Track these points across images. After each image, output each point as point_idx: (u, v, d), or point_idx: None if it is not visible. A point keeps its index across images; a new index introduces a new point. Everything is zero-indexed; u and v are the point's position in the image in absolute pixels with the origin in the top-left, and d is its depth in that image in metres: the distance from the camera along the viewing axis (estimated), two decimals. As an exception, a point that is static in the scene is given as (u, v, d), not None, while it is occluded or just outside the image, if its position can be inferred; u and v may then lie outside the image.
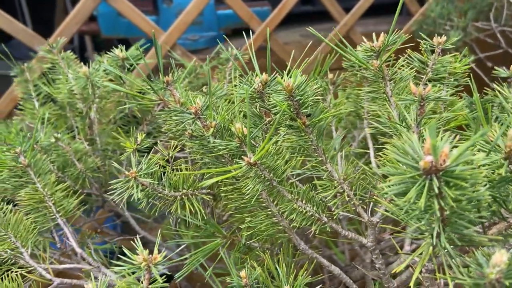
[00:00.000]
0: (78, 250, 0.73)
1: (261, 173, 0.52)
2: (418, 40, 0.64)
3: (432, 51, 0.63)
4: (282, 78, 0.52)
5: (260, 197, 0.61)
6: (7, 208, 0.69)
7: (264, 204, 0.62)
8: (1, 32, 1.54)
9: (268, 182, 0.54)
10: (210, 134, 0.58)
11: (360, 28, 2.18)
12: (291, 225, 0.64)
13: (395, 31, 0.57)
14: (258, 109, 0.60)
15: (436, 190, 0.33)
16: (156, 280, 0.45)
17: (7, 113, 1.62)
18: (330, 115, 0.52)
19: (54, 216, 0.74)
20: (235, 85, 0.83)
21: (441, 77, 0.63)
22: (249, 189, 0.54)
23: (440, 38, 0.63)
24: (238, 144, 0.53)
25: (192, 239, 0.69)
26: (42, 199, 0.74)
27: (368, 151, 0.75)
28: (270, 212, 0.62)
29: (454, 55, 0.65)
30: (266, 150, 0.48)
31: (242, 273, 0.55)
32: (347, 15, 2.06)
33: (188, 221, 0.70)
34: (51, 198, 0.74)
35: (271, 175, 0.53)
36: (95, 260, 0.73)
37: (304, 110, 0.51)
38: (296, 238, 0.64)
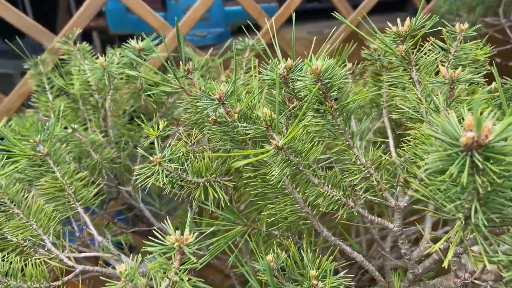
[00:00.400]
0: (99, 238, 0.73)
1: (287, 157, 0.52)
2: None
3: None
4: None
5: (283, 184, 0.61)
6: (27, 196, 0.69)
7: (286, 191, 0.62)
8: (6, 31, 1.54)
9: (295, 167, 0.54)
10: (236, 119, 0.58)
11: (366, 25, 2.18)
12: (314, 212, 0.64)
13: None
14: (281, 96, 0.60)
15: (480, 165, 0.33)
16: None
17: (15, 109, 1.62)
18: (358, 98, 0.52)
19: (73, 205, 0.74)
20: (254, 75, 0.83)
21: (463, 64, 0.63)
22: (275, 173, 0.54)
23: (462, 25, 0.63)
24: (265, 128, 0.53)
25: (211, 227, 0.69)
26: (62, 188, 0.74)
27: (386, 140, 0.75)
28: (292, 199, 0.62)
29: (476, 43, 0.65)
30: (294, 134, 0.48)
31: (269, 257, 0.55)
32: (354, 12, 2.06)
33: (203, 211, 0.71)
34: (71, 187, 0.74)
35: (298, 159, 0.53)
36: (115, 248, 0.73)
37: (332, 94, 0.51)
38: (319, 225, 0.64)
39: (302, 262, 0.58)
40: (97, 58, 0.92)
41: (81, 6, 1.53)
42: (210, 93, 0.59)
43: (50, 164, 0.75)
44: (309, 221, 0.64)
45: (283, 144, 0.50)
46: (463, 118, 0.36)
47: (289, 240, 0.63)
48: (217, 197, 0.63)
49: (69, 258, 0.67)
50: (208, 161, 0.63)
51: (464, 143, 0.34)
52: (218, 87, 0.59)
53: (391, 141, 0.72)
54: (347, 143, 0.55)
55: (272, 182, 0.62)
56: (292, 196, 0.62)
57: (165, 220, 1.02)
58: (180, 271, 0.46)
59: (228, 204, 0.66)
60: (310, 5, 2.50)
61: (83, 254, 0.72)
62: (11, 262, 0.60)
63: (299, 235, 0.70)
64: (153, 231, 0.50)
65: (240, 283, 0.90)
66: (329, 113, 0.53)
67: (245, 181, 0.64)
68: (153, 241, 0.47)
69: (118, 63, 0.90)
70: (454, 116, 0.36)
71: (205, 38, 2.03)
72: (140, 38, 0.92)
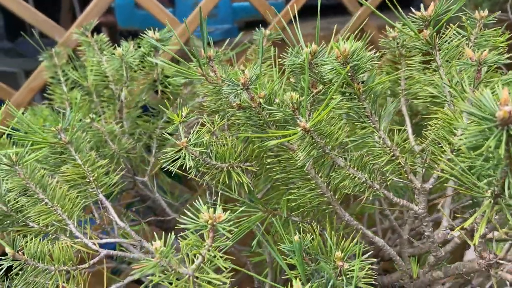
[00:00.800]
0: (121, 224, 0.73)
1: (314, 139, 0.53)
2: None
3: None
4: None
5: (305, 168, 0.62)
6: (52, 182, 0.70)
7: (308, 176, 0.63)
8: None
9: (321, 149, 0.55)
10: (262, 102, 0.59)
11: (373, 21, 2.19)
12: (336, 197, 0.65)
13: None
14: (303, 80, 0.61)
15: (518, 137, 0.34)
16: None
17: (26, 103, 1.63)
18: (385, 79, 0.52)
19: (94, 192, 0.75)
20: (271, 64, 0.84)
21: (483, 50, 0.64)
22: (300, 157, 0.54)
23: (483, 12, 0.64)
24: (292, 111, 0.54)
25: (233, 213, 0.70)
26: (83, 175, 0.75)
27: (402, 127, 0.76)
28: (314, 184, 0.63)
29: (495, 29, 0.66)
30: (323, 116, 0.49)
31: (296, 238, 0.55)
32: (361, 8, 2.07)
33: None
34: (92, 174, 0.75)
35: (324, 141, 0.54)
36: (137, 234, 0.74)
37: (359, 76, 0.51)
38: (341, 210, 0.65)
39: (325, 246, 0.59)
40: (114, 48, 0.92)
41: (84, 6, 1.54)
42: (233, 79, 0.60)
43: (71, 152, 0.76)
44: (331, 206, 0.64)
45: (311, 126, 0.51)
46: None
47: (311, 225, 0.64)
48: (240, 181, 0.63)
49: (93, 243, 0.68)
50: (231, 147, 0.64)
51: (501, 117, 0.35)
52: (241, 74, 0.60)
53: (409, 129, 0.73)
54: (373, 125, 0.56)
55: (296, 166, 0.63)
56: (314, 181, 0.63)
57: (175, 214, 1.03)
58: (212, 248, 0.47)
59: (252, 189, 0.67)
60: (317, 0, 2.50)
61: (105, 240, 0.73)
62: (38, 246, 0.61)
63: (318, 221, 0.71)
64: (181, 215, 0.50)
65: (255, 273, 0.91)
66: (356, 96, 0.53)
67: (267, 166, 0.64)
68: (185, 220, 0.47)
69: (132, 55, 0.91)
70: (489, 92, 0.37)
71: (213, 34, 2.04)
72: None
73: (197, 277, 0.47)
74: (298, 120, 0.53)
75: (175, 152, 0.60)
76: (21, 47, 3.00)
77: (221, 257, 0.47)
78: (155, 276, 0.45)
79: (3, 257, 0.60)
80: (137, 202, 1.23)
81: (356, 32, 0.58)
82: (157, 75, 0.96)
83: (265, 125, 0.62)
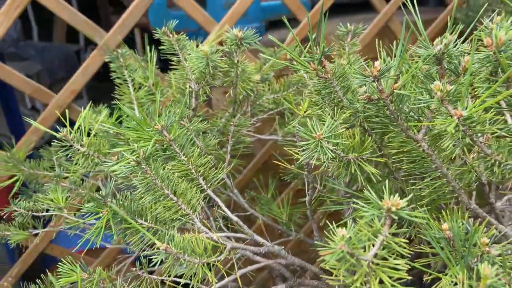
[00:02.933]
0: (234, 218, 0.74)
1: (466, 128, 0.55)
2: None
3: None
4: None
5: (430, 158, 0.63)
6: (173, 177, 0.70)
7: (434, 165, 0.65)
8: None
9: (470, 138, 0.56)
10: (391, 95, 0.60)
11: (398, 17, 2.22)
12: (460, 186, 0.66)
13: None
14: (432, 73, 0.62)
15: None
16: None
17: (66, 105, 1.62)
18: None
19: (203, 187, 0.76)
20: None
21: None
22: (447, 145, 0.56)
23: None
24: (439, 100, 0.55)
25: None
26: (189, 171, 0.76)
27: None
28: (440, 174, 0.64)
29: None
30: (486, 105, 0.50)
31: (444, 226, 0.57)
32: (387, 5, 2.09)
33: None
34: (199, 170, 0.76)
35: (476, 129, 0.56)
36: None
37: (513, 64, 0.53)
38: (466, 198, 0.66)
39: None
40: (197, 47, 0.93)
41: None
42: (361, 72, 0.61)
43: (175, 149, 0.77)
44: (456, 194, 0.66)
45: (469, 114, 0.52)
46: None
47: (454, 209, 0.65)
48: (369, 172, 0.65)
49: (228, 238, 0.69)
50: (359, 140, 0.65)
51: None
52: (371, 66, 0.61)
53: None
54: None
55: (421, 156, 0.64)
56: (439, 170, 0.64)
57: (252, 210, 1.04)
58: (390, 235, 0.48)
59: (380, 180, 0.68)
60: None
61: (219, 234, 0.73)
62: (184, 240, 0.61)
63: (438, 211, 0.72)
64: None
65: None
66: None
67: (393, 157, 0.66)
68: (362, 206, 0.48)
69: (217, 51, 0.92)
70: None
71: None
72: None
73: (375, 264, 0.48)
74: (447, 109, 0.54)
75: (309, 145, 0.61)
76: (24, 51, 2.99)
77: (398, 243, 0.48)
78: (336, 262, 0.46)
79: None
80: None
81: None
82: (236, 74, 0.96)
83: (393, 117, 0.63)
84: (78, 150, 0.86)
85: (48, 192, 1.01)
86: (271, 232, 1.16)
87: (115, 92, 1.13)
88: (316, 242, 0.91)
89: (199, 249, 0.63)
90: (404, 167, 0.66)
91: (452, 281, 0.55)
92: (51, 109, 1.53)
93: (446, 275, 0.56)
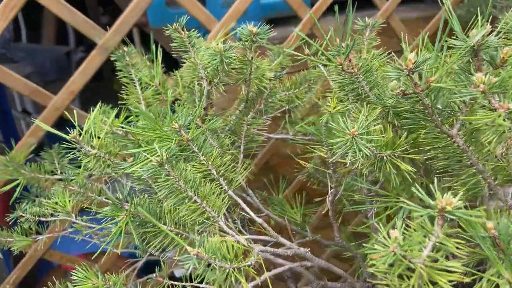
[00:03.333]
0: (258, 220, 0.71)
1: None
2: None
3: None
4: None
5: (466, 154, 0.61)
6: (196, 179, 0.67)
7: (469, 162, 0.63)
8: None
9: (513, 131, 0.54)
10: (428, 88, 0.58)
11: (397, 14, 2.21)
12: (496, 183, 0.64)
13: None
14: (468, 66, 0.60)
15: None
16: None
17: (64, 107, 1.57)
18: None
19: (224, 188, 0.73)
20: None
21: None
22: (490, 139, 0.54)
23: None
24: (482, 93, 0.53)
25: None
26: (209, 172, 0.73)
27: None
28: (475, 170, 0.62)
29: None
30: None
31: (489, 225, 0.54)
32: (387, 2, 2.08)
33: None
34: (219, 170, 0.73)
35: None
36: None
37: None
38: (503, 195, 0.64)
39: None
40: (210, 42, 0.90)
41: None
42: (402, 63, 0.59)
43: (193, 149, 0.74)
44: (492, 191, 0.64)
45: (519, 106, 0.50)
46: None
47: None
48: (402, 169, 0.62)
49: (246, 240, 0.65)
50: (391, 138, 0.63)
51: None
52: (406, 59, 0.59)
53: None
54: None
55: (456, 153, 0.62)
56: (475, 167, 0.62)
57: (267, 211, 1.01)
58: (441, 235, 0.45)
59: (414, 177, 0.66)
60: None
61: (245, 236, 0.70)
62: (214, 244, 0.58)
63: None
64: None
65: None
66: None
67: (427, 154, 0.64)
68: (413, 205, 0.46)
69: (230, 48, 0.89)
70: None
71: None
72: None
73: (428, 266, 0.45)
74: (491, 102, 0.52)
75: (343, 141, 0.58)
76: (13, 53, 2.92)
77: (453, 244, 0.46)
78: (388, 266, 0.44)
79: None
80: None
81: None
82: (250, 71, 0.93)
83: (427, 112, 0.61)
84: (89, 152, 0.83)
85: (53, 196, 0.97)
86: (283, 234, 1.13)
87: (107, 92, 1.09)
88: (336, 242, 0.89)
89: (230, 253, 0.60)
90: (438, 163, 0.64)
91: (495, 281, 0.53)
92: (49, 110, 1.48)
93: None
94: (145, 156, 0.64)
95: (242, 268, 0.60)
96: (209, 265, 0.58)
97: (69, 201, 0.94)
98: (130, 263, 1.19)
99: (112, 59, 1.11)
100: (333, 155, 0.67)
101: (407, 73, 0.59)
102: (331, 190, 0.80)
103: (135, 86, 1.08)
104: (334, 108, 0.64)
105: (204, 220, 0.65)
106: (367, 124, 0.59)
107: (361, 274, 0.89)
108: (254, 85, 0.93)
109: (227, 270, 0.58)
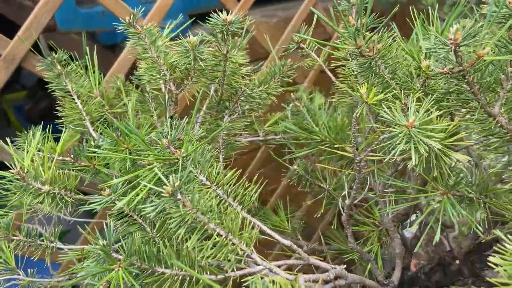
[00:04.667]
0: (287, 242, 0.58)
1: None
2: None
3: None
4: None
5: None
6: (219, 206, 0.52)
7: None
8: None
9: None
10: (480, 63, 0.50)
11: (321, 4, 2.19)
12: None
13: None
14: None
15: None
16: None
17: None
18: None
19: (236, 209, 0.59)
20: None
21: None
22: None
23: None
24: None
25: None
26: (216, 193, 0.58)
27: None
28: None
29: None
30: None
31: None
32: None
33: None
34: (226, 191, 0.59)
35: None
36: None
37: None
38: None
39: None
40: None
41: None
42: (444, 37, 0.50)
43: (189, 168, 0.59)
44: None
45: None
46: None
47: None
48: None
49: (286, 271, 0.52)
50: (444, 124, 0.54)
51: None
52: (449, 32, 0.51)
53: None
54: None
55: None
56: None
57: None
58: None
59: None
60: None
61: (278, 262, 0.57)
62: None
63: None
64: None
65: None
66: None
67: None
68: None
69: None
70: None
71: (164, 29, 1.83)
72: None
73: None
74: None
75: (397, 137, 0.49)
76: None
77: None
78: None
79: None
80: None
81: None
82: (225, 66, 0.80)
83: (472, 91, 0.54)
84: (40, 189, 0.63)
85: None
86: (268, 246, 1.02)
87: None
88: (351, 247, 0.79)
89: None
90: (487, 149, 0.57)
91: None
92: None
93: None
94: (142, 184, 0.48)
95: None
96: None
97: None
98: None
99: (38, 68, 0.89)
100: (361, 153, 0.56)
101: (453, 48, 0.50)
102: (352, 193, 0.70)
103: (74, 99, 0.87)
104: (371, 98, 0.54)
105: (236, 257, 0.51)
106: (422, 114, 0.49)
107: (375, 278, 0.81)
108: (232, 82, 0.80)
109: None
